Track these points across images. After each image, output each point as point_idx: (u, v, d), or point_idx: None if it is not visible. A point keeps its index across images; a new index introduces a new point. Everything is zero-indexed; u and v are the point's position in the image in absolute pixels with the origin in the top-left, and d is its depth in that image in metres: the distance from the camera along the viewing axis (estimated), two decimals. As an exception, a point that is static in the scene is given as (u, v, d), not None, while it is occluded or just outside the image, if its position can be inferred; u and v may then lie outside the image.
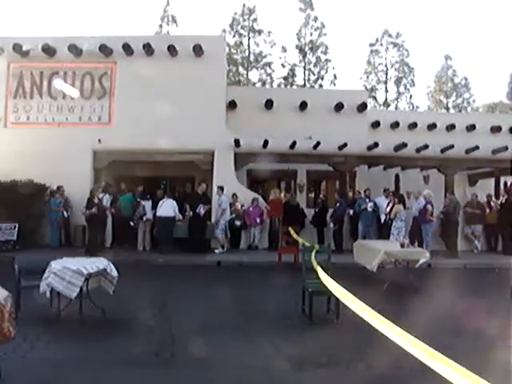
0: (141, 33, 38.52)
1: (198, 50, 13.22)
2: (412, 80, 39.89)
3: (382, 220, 11.89)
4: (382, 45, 40.08)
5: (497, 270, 11.19)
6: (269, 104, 14.73)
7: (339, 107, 14.71)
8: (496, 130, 15.91)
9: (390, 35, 39.87)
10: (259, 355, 4.95)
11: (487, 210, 13.79)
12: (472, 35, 66.59)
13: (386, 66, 40.00)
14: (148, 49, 13.19)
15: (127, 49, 13.18)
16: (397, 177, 14.42)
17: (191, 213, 12.26)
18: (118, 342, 5.21)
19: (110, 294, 6.14)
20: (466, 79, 41.23)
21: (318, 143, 12.64)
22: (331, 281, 4.01)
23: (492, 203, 13.97)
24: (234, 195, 12.87)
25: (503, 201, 13.57)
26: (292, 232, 9.76)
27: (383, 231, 11.67)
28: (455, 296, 8.08)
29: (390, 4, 61.28)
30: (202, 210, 12.16)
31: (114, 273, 6.05)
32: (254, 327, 5.96)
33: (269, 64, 38.11)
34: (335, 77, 37.90)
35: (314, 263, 5.33)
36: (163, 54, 13.28)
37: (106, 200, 12.20)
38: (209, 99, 13.14)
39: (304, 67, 38.17)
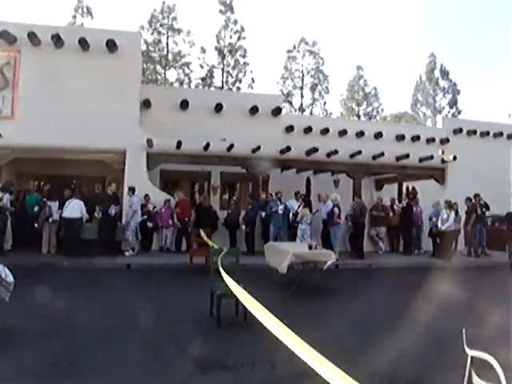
0: (53, 22, 36.47)
1: (111, 46, 12.73)
2: (326, 87, 41.42)
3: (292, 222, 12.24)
4: (298, 52, 41.24)
5: (398, 270, 11.93)
6: (184, 104, 14.57)
7: (254, 110, 14.88)
8: (400, 138, 16.90)
9: (306, 43, 41.13)
10: (163, 360, 4.85)
11: (391, 213, 14.64)
12: (382, 48, 70.46)
13: (302, 72, 41.18)
14: (57, 40, 12.48)
15: (33, 38, 12.38)
16: (308, 180, 14.85)
17: (100, 214, 11.80)
18: (13, 354, 4.84)
19: (5, 302, 5.72)
20: (375, 89, 43.57)
21: (232, 145, 12.70)
22: (234, 284, 4.00)
23: (395, 206, 14.85)
24: (147, 196, 12.58)
25: (404, 204, 14.48)
26: (203, 234, 9.70)
27: (294, 233, 11.98)
28: (360, 295, 8.47)
29: (308, 13, 63.17)
30: (112, 210, 11.75)
31: (10, 278, 5.63)
32: (161, 331, 5.83)
33: (187, 64, 37.78)
34: (253, 80, 38.41)
35: (220, 266, 5.32)
36: (74, 46, 12.62)
37: (7, 199, 11.39)
38: (122, 97, 12.72)
39: (222, 69, 38.28)
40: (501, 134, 18.50)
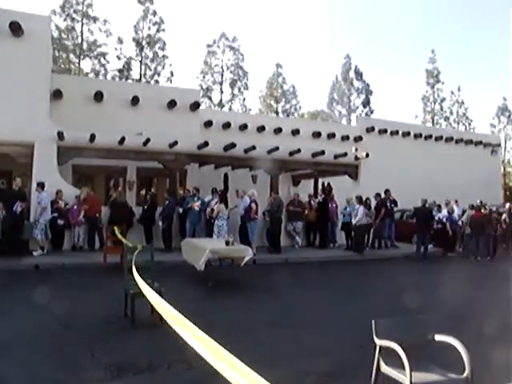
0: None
1: (16, 28, 11.73)
2: (246, 83, 41.64)
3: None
4: (219, 47, 41.08)
5: (314, 263, 12.27)
6: (98, 96, 13.95)
7: (172, 105, 14.58)
8: (317, 135, 17.38)
9: (227, 38, 41.06)
10: (73, 367, 4.58)
11: (307, 209, 15.00)
12: (301, 47, 72.13)
13: (222, 67, 41.09)
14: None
15: None
16: (226, 176, 14.82)
17: (4, 211, 10.98)
18: None
19: None
20: (293, 87, 44.52)
21: (148, 140, 12.35)
22: (143, 283, 3.84)
23: (312, 202, 15.24)
24: (59, 192, 11.87)
25: (320, 200, 14.91)
26: (117, 231, 9.34)
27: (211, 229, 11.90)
28: (276, 289, 8.58)
29: (229, 8, 63.11)
30: (18, 207, 10.98)
31: None
32: (71, 336, 5.52)
33: (103, 54, 36.26)
34: (172, 74, 37.71)
35: (133, 264, 5.11)
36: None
37: None
38: (29, 86, 11.86)
39: (141, 61, 37.20)
40: (408, 133, 19.64)
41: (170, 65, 37.88)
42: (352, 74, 43.98)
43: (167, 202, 12.47)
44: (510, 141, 42.01)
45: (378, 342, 3.48)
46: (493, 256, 14.12)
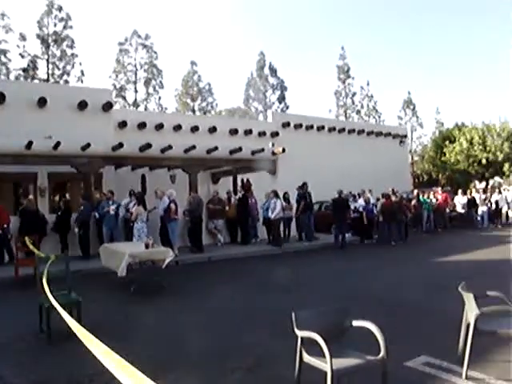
0: None
1: None
2: (161, 82, 40.85)
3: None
4: (131, 45, 39.92)
5: (235, 259, 12.36)
6: (0, 98, 13.04)
7: (83, 105, 13.98)
8: (234, 132, 17.43)
9: (139, 36, 39.98)
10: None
11: (228, 206, 15.09)
12: (215, 44, 72.06)
13: (135, 66, 40.01)
14: None
15: None
16: (143, 177, 14.47)
17: None
18: None
19: None
20: (209, 84, 44.35)
21: (59, 143, 11.76)
22: (50, 296, 3.68)
23: (232, 199, 15.33)
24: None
25: (240, 196, 15.04)
26: (28, 242, 8.83)
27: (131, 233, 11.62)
28: (200, 289, 8.55)
29: (139, 4, 61.59)
30: None
31: None
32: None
33: (4, 52, 33.92)
34: (82, 73, 36.12)
35: (44, 276, 4.88)
36: None
37: None
38: None
39: (47, 60, 35.27)
40: (323, 127, 20.29)
41: (80, 63, 36.26)
42: (267, 70, 44.64)
43: (82, 207, 11.98)
44: (416, 131, 44.81)
45: (299, 333, 3.58)
46: (405, 240, 15.01)
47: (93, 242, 12.08)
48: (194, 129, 16.26)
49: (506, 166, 25.82)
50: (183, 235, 13.68)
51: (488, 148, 26.04)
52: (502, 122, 27.98)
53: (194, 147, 13.49)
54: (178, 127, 15.83)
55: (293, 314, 3.62)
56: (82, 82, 35.47)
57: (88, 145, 12.06)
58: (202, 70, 69.95)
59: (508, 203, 20.69)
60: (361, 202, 16.25)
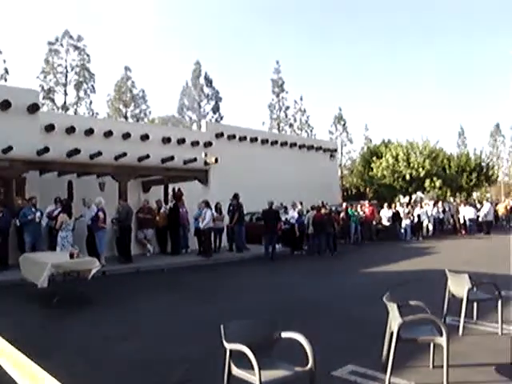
0: None
1: None
2: (92, 86, 39.61)
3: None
4: (62, 45, 38.43)
5: (165, 270, 12.13)
6: None
7: (5, 106, 13.19)
8: (167, 140, 17.17)
9: (71, 37, 38.57)
10: None
11: (158, 215, 14.80)
12: (150, 51, 71.11)
13: (65, 68, 38.54)
14: None
15: None
16: (70, 184, 13.85)
17: None
18: None
19: None
20: (143, 91, 43.61)
21: (-23, 145, 11.05)
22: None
23: (162, 208, 15.06)
24: None
25: (171, 206, 14.81)
26: None
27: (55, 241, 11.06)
28: (126, 301, 8.27)
29: (72, 4, 59.60)
30: None
31: None
32: None
33: None
34: (7, 71, 34.30)
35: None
36: None
37: None
38: None
39: (-35, 57, 33.20)
40: (256, 139, 20.50)
41: (4, 61, 34.45)
42: (202, 80, 44.58)
43: (1, 214, 11.25)
44: (346, 146, 46.46)
45: (228, 345, 3.53)
46: (333, 252, 15.39)
47: (13, 252, 11.37)
48: (126, 136, 15.85)
49: (427, 182, 27.33)
50: (111, 245, 13.23)
51: (411, 164, 27.44)
52: (424, 140, 29.71)
53: (124, 154, 13.14)
54: (108, 133, 15.36)
55: (221, 326, 3.57)
56: (5, 80, 33.67)
57: (10, 148, 11.40)
58: (136, 75, 68.69)
59: (428, 217, 21.92)
60: (292, 213, 16.51)
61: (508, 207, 27.97)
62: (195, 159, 14.81)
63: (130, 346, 5.56)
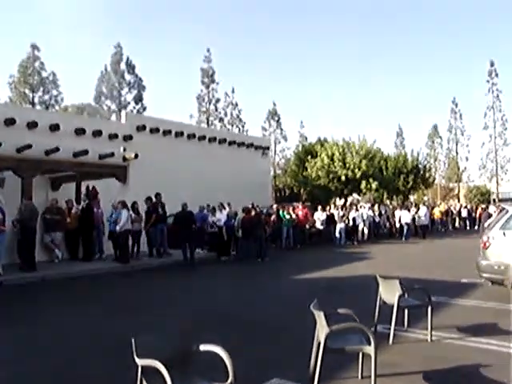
0: None
1: None
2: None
3: None
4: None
5: (76, 279, 11.73)
6: None
7: None
8: (81, 132, 16.60)
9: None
10: None
11: (68, 216, 14.30)
12: (63, 29, 68.44)
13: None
14: None
15: None
16: (-43, 180, 13.11)
17: None
18: None
19: None
20: (54, 75, 41.86)
21: None
22: None
23: (74, 208, 14.56)
24: None
25: (84, 206, 14.35)
26: None
27: None
28: (27, 317, 7.91)
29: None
30: None
31: None
32: None
33: None
34: None
35: None
36: None
37: None
38: None
39: None
40: (182, 133, 20.32)
41: None
42: (123, 66, 43.52)
43: None
44: (279, 144, 47.20)
45: (139, 361, 3.47)
46: (263, 257, 15.56)
47: None
48: (32, 125, 15.11)
49: (363, 183, 28.35)
50: (11, 250, 12.59)
51: (347, 165, 28.35)
52: (361, 140, 30.80)
53: (29, 146, 12.60)
54: (10, 121, 14.58)
55: (132, 340, 3.50)
56: None
57: None
58: (45, 56, 65.77)
59: (364, 220, 22.73)
60: (219, 215, 16.54)
61: (444, 211, 29.71)
62: (113, 154, 14.47)
63: (34, 364, 5.33)
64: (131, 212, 14.16)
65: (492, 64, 53.64)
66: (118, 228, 13.58)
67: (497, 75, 53.55)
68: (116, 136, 17.22)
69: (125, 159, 14.73)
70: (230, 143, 23.13)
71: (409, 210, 24.34)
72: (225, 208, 16.87)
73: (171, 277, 12.62)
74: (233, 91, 46.58)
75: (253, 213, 15.99)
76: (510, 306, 7.66)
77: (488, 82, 53.66)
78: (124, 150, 15.16)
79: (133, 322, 7.22)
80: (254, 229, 15.46)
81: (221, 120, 45.97)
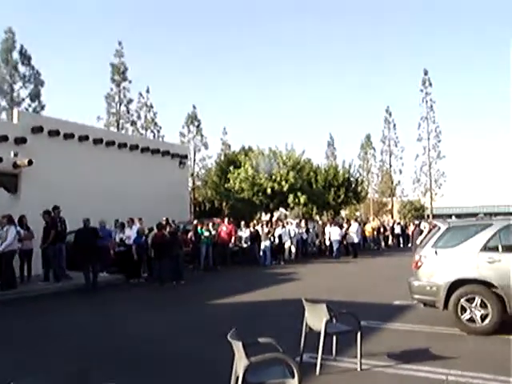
0: None
1: None
2: None
3: None
4: None
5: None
6: None
7: None
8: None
9: None
10: None
11: None
12: None
13: None
14: None
15: None
16: None
17: None
18: None
19: None
20: None
21: None
22: None
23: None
24: None
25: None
26: None
27: None
28: None
29: None
30: None
31: None
32: None
33: None
34: None
35: None
36: None
37: None
38: None
39: None
40: (87, 137, 19.75)
41: None
42: (16, 55, 41.71)
43: None
44: (199, 152, 46.93)
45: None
46: (180, 279, 15.33)
47: None
48: None
49: (291, 197, 28.82)
50: None
51: (274, 177, 28.72)
52: (289, 149, 31.33)
53: None
54: None
55: None
56: None
57: None
58: None
59: (291, 238, 22.97)
60: (129, 232, 16.19)
61: (376, 227, 30.72)
62: (1, 160, 13.82)
63: None
64: (19, 228, 13.48)
65: (426, 73, 56.75)
66: (1, 248, 12.82)
67: (430, 84, 56.67)
68: (6, 138, 16.43)
69: (16, 166, 14.11)
70: (143, 150, 22.79)
71: (340, 227, 24.95)
72: (135, 224, 16.53)
73: (69, 304, 12.13)
74: (147, 91, 46.00)
75: (168, 229, 15.77)
76: (442, 329, 8.02)
77: (422, 91, 56.63)
78: (15, 154, 14.52)
79: (10, 362, 6.82)
80: (168, 247, 15.21)
81: (133, 123, 45.15)
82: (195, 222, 20.86)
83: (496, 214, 28.22)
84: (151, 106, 45.98)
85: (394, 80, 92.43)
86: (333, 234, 24.03)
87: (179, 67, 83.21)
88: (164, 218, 16.59)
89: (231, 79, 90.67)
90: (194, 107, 48.03)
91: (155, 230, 15.61)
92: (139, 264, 15.84)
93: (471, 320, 7.87)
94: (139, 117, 45.59)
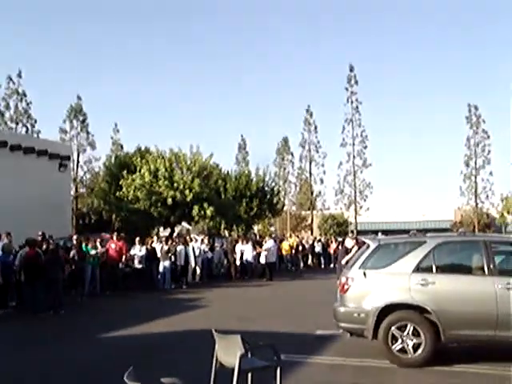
0: None
1: None
2: None
3: None
4: None
5: None
6: None
7: None
8: None
9: None
10: None
11: None
12: None
13: None
14: None
15: None
16: None
17: None
18: None
19: None
20: None
21: None
22: None
23: None
24: None
25: None
26: None
27: None
28: None
29: None
30: None
31: None
32: None
33: None
34: None
35: None
36: None
37: None
38: None
39: None
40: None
41: None
42: None
43: None
44: (85, 153, 45.75)
45: None
46: (59, 308, 14.84)
47: None
48: None
49: (196, 208, 28.68)
50: None
51: (176, 184, 28.49)
52: (194, 152, 31.17)
53: None
54: None
55: None
56: None
57: None
58: None
59: (196, 257, 22.81)
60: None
61: (294, 245, 31.01)
62: None
63: None
64: None
65: (351, 69, 57.90)
66: None
67: (356, 82, 57.87)
68: None
69: None
70: (13, 148, 22.05)
71: (254, 244, 25.11)
72: (1, 239, 15.89)
73: None
74: (19, 75, 44.50)
75: (44, 246, 15.27)
76: (371, 361, 8.21)
77: (347, 89, 57.89)
78: None
79: None
80: (42, 269, 14.68)
81: (1, 115, 43.59)
82: (75, 237, 20.27)
83: (427, 231, 29.36)
84: (24, 95, 44.57)
85: (316, 76, 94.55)
86: (245, 252, 24.14)
87: (62, 49, 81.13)
88: (40, 233, 16.03)
89: (125, 69, 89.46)
90: (79, 98, 47.00)
91: (26, 248, 15.04)
92: (6, 290, 15.16)
93: (403, 350, 8.06)
94: (8, 106, 44.02)
